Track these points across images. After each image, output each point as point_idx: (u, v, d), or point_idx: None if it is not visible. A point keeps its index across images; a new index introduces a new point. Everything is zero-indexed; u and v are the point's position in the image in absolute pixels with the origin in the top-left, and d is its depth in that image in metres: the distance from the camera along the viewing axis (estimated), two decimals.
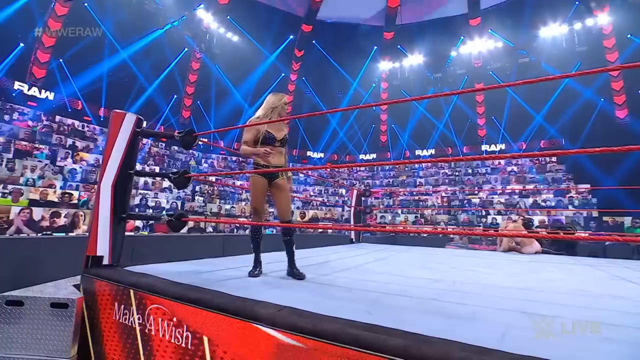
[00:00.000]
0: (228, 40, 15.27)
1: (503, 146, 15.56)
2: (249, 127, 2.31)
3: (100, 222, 2.19)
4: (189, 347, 1.48)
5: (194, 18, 13.57)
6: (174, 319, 1.56)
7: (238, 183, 12.45)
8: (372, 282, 2.18)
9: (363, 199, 6.62)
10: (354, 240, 6.20)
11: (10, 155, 7.67)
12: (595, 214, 9.53)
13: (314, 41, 17.43)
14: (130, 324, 1.72)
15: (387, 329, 1.16)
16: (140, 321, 1.68)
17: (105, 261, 2.16)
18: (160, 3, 12.51)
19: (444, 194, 13.23)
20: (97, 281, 1.96)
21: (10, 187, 6.27)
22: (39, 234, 5.16)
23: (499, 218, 10.68)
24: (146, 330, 1.65)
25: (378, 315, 1.38)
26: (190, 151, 13.23)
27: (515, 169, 13.64)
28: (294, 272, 2.24)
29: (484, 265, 3.44)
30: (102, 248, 2.15)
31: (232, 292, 1.63)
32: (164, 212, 9.03)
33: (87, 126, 11.59)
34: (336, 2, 15.89)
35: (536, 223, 8.84)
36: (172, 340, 1.53)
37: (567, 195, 11.14)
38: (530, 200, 11.35)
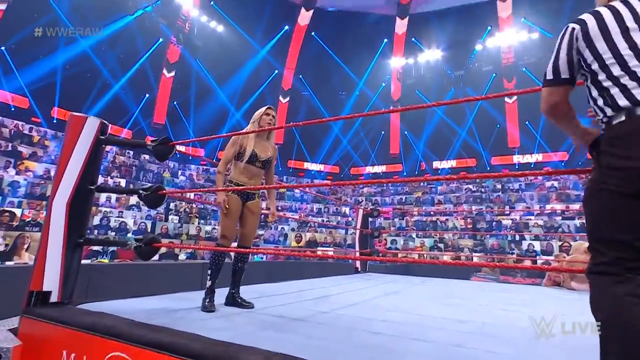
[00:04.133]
0: (212, 31, 15.58)
1: (540, 157, 15.64)
2: (233, 141, 2.57)
3: (50, 248, 2.16)
4: None
5: (170, 3, 13.87)
6: None
7: None
8: (381, 321, 2.17)
9: (370, 219, 6.61)
10: (359, 269, 6.16)
11: None
12: None
13: (313, 33, 17.78)
14: None
15: None
16: None
17: (54, 298, 2.12)
18: None
19: (467, 214, 13.21)
20: (41, 324, 1.92)
21: None
22: None
23: (536, 244, 10.62)
24: None
25: None
26: (165, 161, 13.29)
27: (555, 184, 13.65)
28: (237, 301, 2.47)
29: (519, 303, 3.41)
30: (51, 281, 2.12)
31: (212, 334, 1.62)
32: (130, 236, 8.94)
33: (37, 129, 11.62)
34: None
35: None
36: None
37: None
38: (576, 223, 11.26)
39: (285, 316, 2.20)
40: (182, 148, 15.25)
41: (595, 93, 1.12)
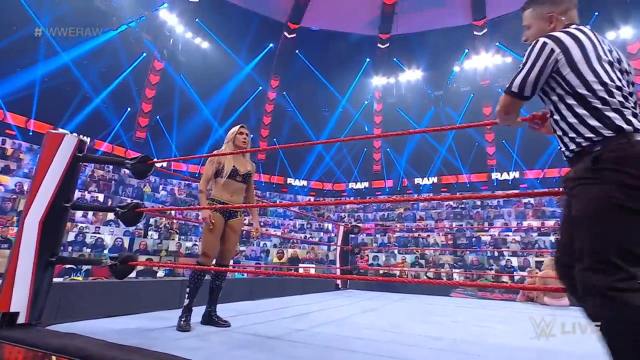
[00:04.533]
0: (196, 47, 15.63)
1: (517, 174, 16.13)
2: (210, 159, 2.64)
3: (19, 267, 2.11)
4: None
5: (155, 19, 13.90)
6: None
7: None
8: (357, 339, 2.20)
9: (351, 236, 6.66)
10: (340, 286, 6.16)
11: None
12: None
13: (297, 51, 18.08)
14: None
15: None
16: None
17: (22, 319, 2.06)
18: (115, 1, 12.68)
19: (448, 231, 13.42)
20: (7, 346, 1.86)
21: None
22: None
23: (514, 260, 10.85)
24: None
25: None
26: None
27: (532, 200, 14.05)
28: (214, 319, 2.47)
29: (495, 320, 3.49)
30: (19, 302, 2.06)
31: (187, 354, 1.61)
32: (105, 253, 8.69)
33: (13, 142, 11.30)
34: (323, 7, 16.74)
35: None
36: None
37: None
38: (551, 239, 11.57)
39: (261, 335, 2.20)
40: (164, 163, 15.12)
41: (580, 109, 1.17)
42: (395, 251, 12.58)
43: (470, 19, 16.46)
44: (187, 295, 2.38)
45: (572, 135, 1.20)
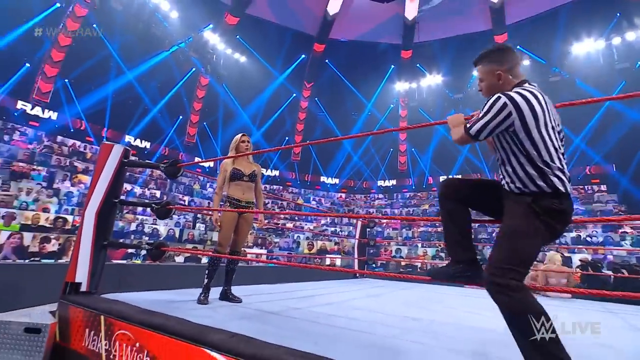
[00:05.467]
0: (235, 61, 16.33)
1: None
2: (219, 171, 2.95)
3: (81, 249, 2.52)
4: None
5: (200, 39, 14.72)
6: (137, 345, 1.82)
7: None
8: (344, 318, 2.37)
9: (368, 230, 6.78)
10: (357, 274, 6.30)
11: (7, 177, 8.35)
12: None
13: (327, 60, 18.31)
14: (97, 350, 1.99)
15: (319, 357, 1.38)
16: (107, 347, 1.95)
17: (83, 288, 2.47)
18: (168, 25, 13.66)
19: None
20: (71, 307, 2.26)
21: (3, 210, 6.87)
22: (26, 260, 5.60)
23: None
24: (111, 356, 1.91)
25: (323, 346, 1.59)
26: (195, 175, 13.92)
27: None
28: (228, 296, 2.76)
29: (488, 308, 3.49)
30: (81, 275, 2.47)
31: (196, 320, 1.87)
32: (154, 240, 9.39)
33: (91, 147, 12.49)
34: (350, 19, 16.81)
35: (577, 262, 8.54)
36: None
37: (620, 231, 10.73)
38: (572, 235, 11.01)
39: (263, 310, 2.44)
40: (211, 163, 15.98)
41: (530, 168, 1.33)
42: (419, 244, 12.48)
43: (489, 24, 15.84)
44: (206, 276, 2.70)
45: (519, 185, 1.36)
